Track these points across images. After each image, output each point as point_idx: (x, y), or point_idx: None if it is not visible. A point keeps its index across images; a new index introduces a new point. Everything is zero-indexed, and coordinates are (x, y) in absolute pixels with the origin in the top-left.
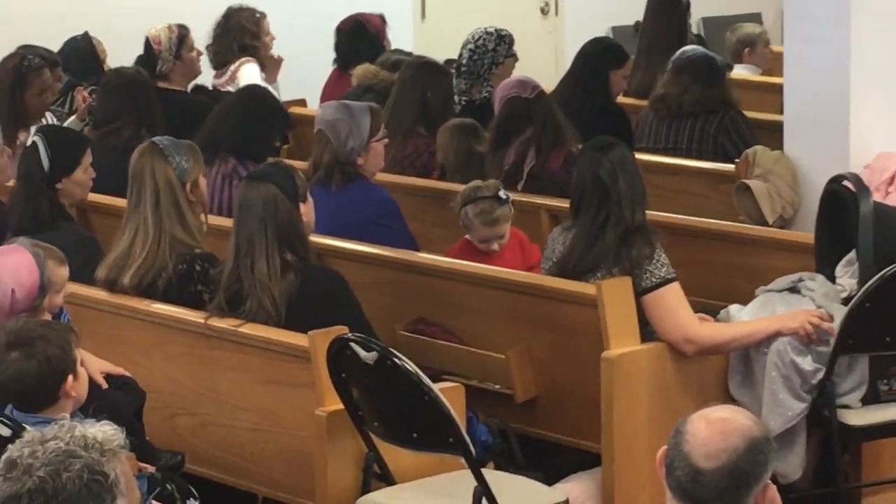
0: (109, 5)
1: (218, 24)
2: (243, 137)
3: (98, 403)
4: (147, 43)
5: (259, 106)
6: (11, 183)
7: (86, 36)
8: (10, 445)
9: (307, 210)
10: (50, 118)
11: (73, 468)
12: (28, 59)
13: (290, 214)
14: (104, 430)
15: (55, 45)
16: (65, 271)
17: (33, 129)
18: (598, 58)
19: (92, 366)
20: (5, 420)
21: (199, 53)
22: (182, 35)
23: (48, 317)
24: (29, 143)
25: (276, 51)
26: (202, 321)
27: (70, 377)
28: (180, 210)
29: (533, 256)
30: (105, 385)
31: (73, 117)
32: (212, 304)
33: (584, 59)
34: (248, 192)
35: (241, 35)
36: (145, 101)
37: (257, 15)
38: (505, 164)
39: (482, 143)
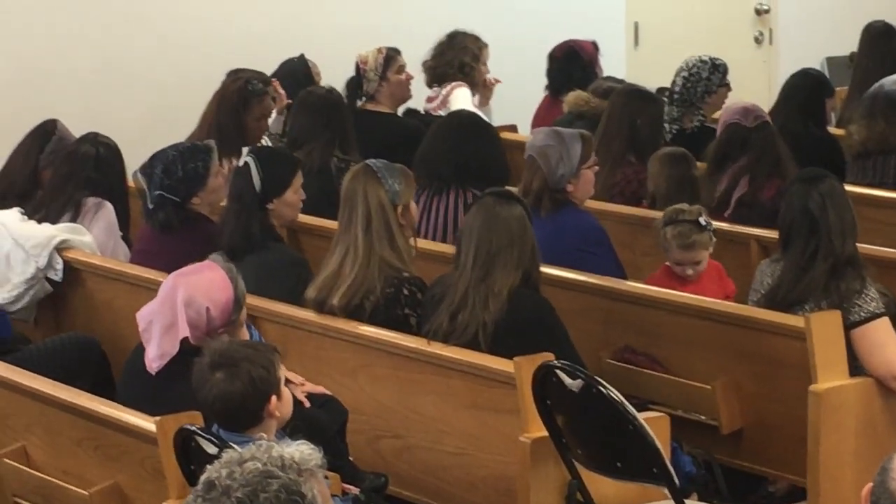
0: (325, 27)
1: (441, 42)
2: (467, 162)
3: (299, 423)
4: (357, 64)
5: (480, 131)
6: (223, 203)
7: (301, 58)
8: (208, 466)
9: None
10: (265, 141)
11: (270, 489)
12: (252, 84)
13: (534, 241)
14: (301, 450)
15: (269, 67)
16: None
17: (245, 149)
18: (814, 89)
19: (294, 384)
20: (212, 438)
21: (410, 77)
22: (390, 56)
23: (244, 333)
24: (241, 163)
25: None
26: (410, 344)
27: (274, 398)
28: (391, 232)
29: (728, 288)
30: (308, 404)
31: (274, 112)
32: (431, 323)
33: (799, 90)
34: (499, 208)
35: (462, 53)
36: (338, 120)
37: (480, 42)
38: (717, 190)
39: (693, 171)
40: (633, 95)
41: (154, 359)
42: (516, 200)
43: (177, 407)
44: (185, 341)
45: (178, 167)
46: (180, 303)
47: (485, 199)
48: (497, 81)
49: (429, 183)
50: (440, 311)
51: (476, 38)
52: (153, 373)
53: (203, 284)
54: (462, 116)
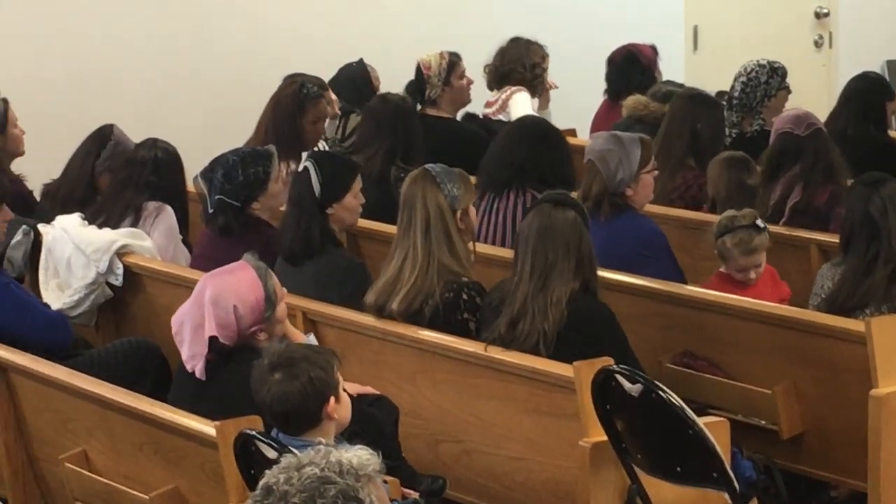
0: (383, 32)
1: (505, 46)
2: (535, 167)
3: (356, 426)
4: (418, 69)
5: (542, 135)
6: (283, 208)
7: (360, 63)
8: (266, 471)
9: None
10: (322, 146)
11: (328, 494)
12: (307, 87)
13: (589, 245)
14: (359, 455)
15: (328, 72)
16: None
17: (304, 154)
18: (875, 92)
19: (350, 389)
20: (271, 443)
21: (470, 82)
22: (452, 62)
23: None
24: (300, 168)
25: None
26: (469, 349)
27: (332, 399)
28: (450, 237)
29: (783, 291)
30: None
31: (327, 119)
32: (490, 330)
33: (859, 94)
34: (554, 215)
35: (532, 54)
36: (403, 130)
37: (545, 49)
38: (771, 199)
39: (753, 176)
40: (693, 100)
41: (188, 360)
42: (571, 205)
43: (221, 408)
44: (222, 343)
45: (238, 172)
46: (208, 302)
47: (541, 204)
48: (554, 86)
49: (491, 186)
50: (499, 320)
51: (538, 44)
52: (196, 374)
53: (231, 283)
54: (526, 121)
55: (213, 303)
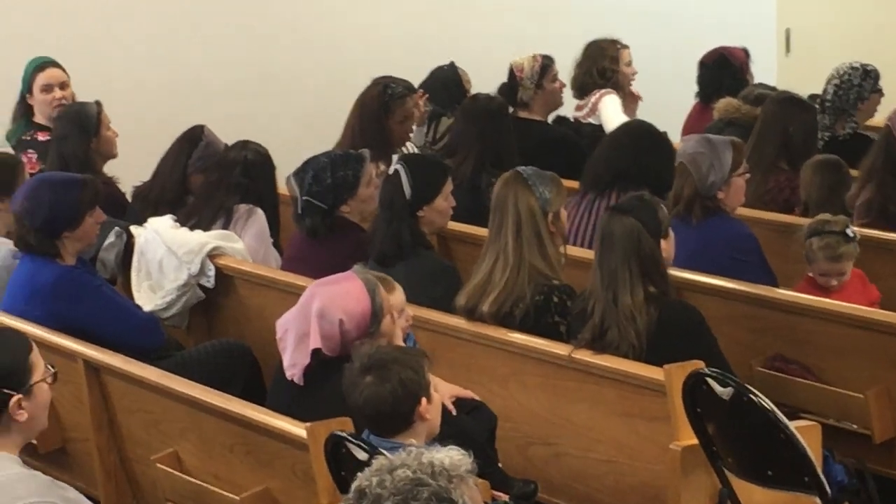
0: (475, 35)
1: (579, 55)
2: (639, 171)
3: (448, 428)
4: (511, 71)
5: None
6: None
7: (452, 66)
8: (359, 473)
9: (667, 246)
10: (411, 147)
11: (421, 496)
12: (391, 88)
13: (652, 250)
14: (451, 456)
15: (419, 75)
16: (398, 296)
17: (394, 157)
18: None
19: (442, 391)
20: (362, 444)
21: (562, 85)
22: (545, 65)
23: (398, 341)
24: (391, 171)
25: (638, 84)
26: (560, 352)
27: (424, 400)
28: (541, 240)
29: (873, 294)
30: (455, 411)
31: (414, 126)
32: (578, 337)
33: None
34: (612, 224)
35: (601, 59)
36: (495, 132)
37: (618, 45)
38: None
39: (846, 179)
40: (787, 103)
41: (288, 367)
42: (632, 211)
43: (320, 412)
44: (322, 353)
45: (327, 174)
46: (314, 313)
47: (605, 213)
48: (639, 98)
49: (593, 186)
50: (584, 332)
51: (612, 42)
52: (296, 381)
53: (339, 296)
54: (634, 125)
55: (319, 315)
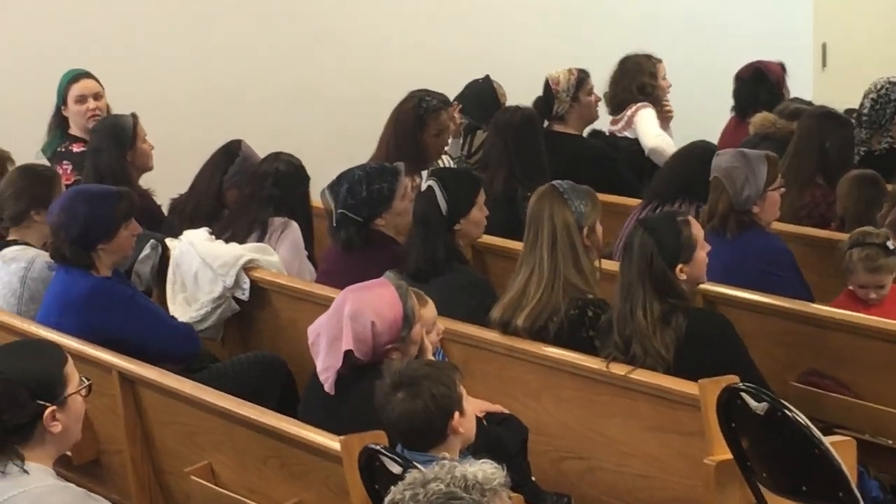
0: (510, 48)
1: (614, 71)
2: (702, 187)
3: (481, 442)
4: (546, 84)
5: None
6: None
7: (487, 79)
8: (392, 487)
9: (689, 269)
10: (447, 160)
11: None
12: (426, 101)
13: (663, 272)
14: (485, 469)
15: (454, 88)
16: (430, 311)
17: (424, 173)
18: None
19: (472, 405)
20: (396, 458)
21: (598, 99)
22: (581, 78)
23: (428, 353)
24: (423, 187)
25: (673, 98)
26: (594, 366)
27: (456, 414)
28: (576, 254)
29: None
30: (485, 423)
31: (450, 138)
32: (607, 349)
33: None
34: (634, 237)
35: (638, 75)
36: (523, 143)
37: (654, 59)
38: None
39: (883, 194)
40: (823, 117)
41: (321, 371)
42: (653, 229)
43: (352, 424)
44: (357, 358)
45: (362, 187)
46: (346, 316)
47: (635, 223)
48: (671, 115)
49: (656, 196)
50: (609, 345)
51: (648, 56)
52: (326, 387)
53: (371, 299)
54: (700, 143)
55: (351, 317)
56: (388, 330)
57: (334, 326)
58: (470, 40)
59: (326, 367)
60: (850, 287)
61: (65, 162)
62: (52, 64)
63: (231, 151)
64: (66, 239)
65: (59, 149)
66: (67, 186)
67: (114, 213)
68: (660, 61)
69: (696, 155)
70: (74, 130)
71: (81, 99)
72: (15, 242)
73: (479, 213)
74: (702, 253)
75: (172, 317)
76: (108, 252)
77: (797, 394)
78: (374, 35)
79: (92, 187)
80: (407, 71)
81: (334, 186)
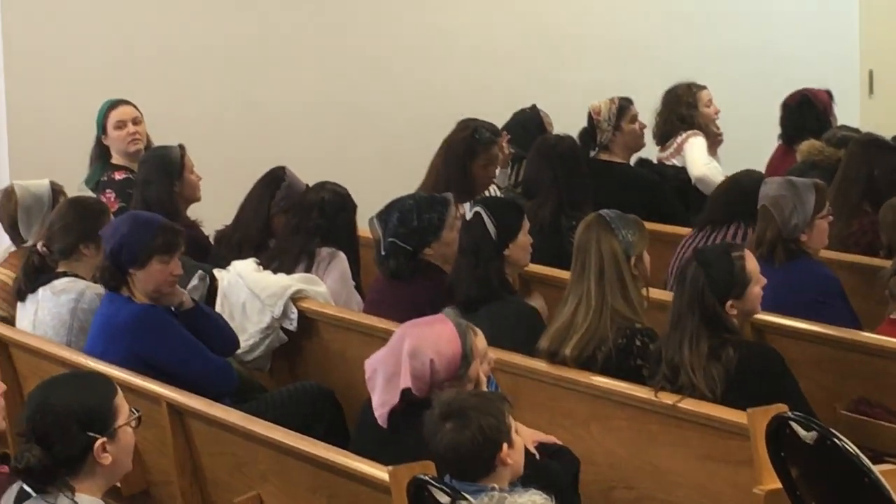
0: (558, 78)
1: (658, 107)
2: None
3: (532, 472)
4: (589, 115)
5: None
6: None
7: (534, 108)
8: None
9: (740, 304)
10: (493, 191)
11: None
12: (480, 133)
13: (713, 307)
14: (534, 500)
15: (501, 117)
16: (481, 341)
17: (466, 205)
18: None
19: (524, 435)
20: (445, 488)
21: (643, 126)
22: (622, 106)
23: (483, 386)
24: (469, 216)
25: (721, 125)
26: (642, 395)
27: (505, 446)
28: (624, 283)
29: None
30: (538, 455)
31: (498, 169)
32: (655, 378)
33: None
34: (687, 268)
35: (677, 106)
36: (566, 172)
37: (694, 88)
38: None
39: None
40: (871, 145)
41: (376, 407)
42: (707, 263)
43: (406, 459)
44: (412, 393)
45: (413, 216)
46: (405, 353)
47: (691, 252)
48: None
49: (710, 221)
50: (658, 374)
51: (688, 86)
52: (380, 422)
53: (430, 336)
54: (744, 171)
55: (410, 355)
56: (447, 368)
57: (392, 363)
58: (518, 69)
59: (382, 402)
60: (893, 316)
61: (108, 190)
62: (93, 96)
63: (275, 179)
64: (104, 255)
65: (101, 178)
66: (114, 214)
67: (149, 242)
68: (702, 88)
69: (744, 184)
70: (116, 159)
71: (121, 125)
72: (65, 274)
73: (524, 237)
74: (756, 288)
75: (211, 352)
76: (140, 280)
77: (847, 422)
78: (423, 64)
79: (143, 213)
80: (454, 100)
81: (383, 215)
